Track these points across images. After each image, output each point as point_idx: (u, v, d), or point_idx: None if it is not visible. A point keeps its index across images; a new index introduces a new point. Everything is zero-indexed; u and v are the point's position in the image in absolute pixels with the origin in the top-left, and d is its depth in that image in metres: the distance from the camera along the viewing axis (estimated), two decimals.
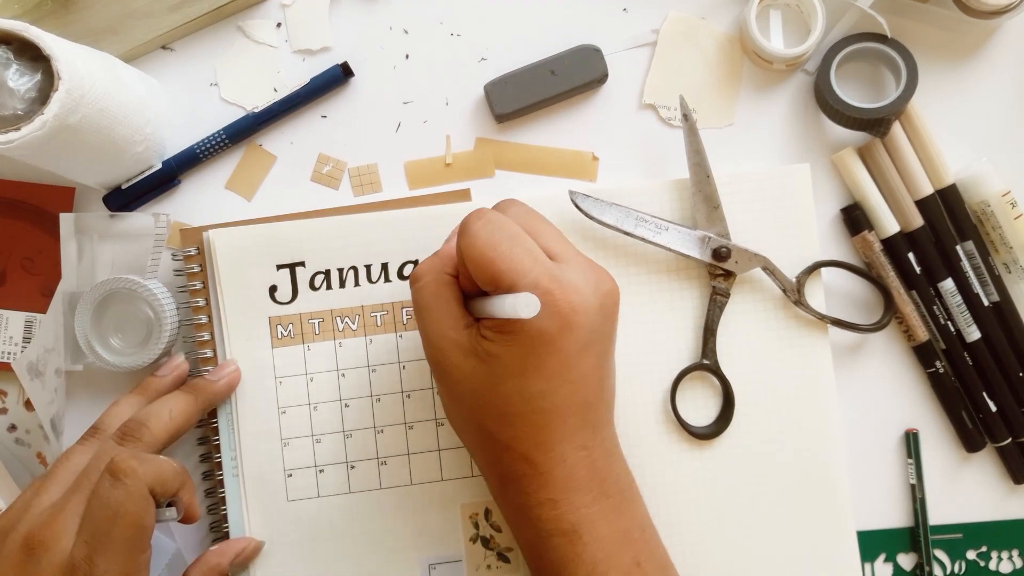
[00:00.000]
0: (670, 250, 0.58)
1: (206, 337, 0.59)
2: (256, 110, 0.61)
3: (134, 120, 0.56)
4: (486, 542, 0.58)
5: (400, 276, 0.59)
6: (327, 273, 0.59)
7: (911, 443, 0.60)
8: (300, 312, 0.58)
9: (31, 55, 0.51)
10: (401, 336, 0.59)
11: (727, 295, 0.59)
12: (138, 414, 0.54)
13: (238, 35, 0.62)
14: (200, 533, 0.61)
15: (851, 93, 0.59)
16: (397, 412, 0.58)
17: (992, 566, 0.61)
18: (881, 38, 0.59)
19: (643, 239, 0.58)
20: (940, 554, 0.61)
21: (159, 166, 0.61)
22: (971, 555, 0.61)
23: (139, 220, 0.59)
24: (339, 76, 0.60)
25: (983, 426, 0.60)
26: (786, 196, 0.59)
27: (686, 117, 0.58)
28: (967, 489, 0.61)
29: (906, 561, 0.61)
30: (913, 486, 0.60)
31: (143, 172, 0.60)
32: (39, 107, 0.50)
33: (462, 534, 0.58)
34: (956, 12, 0.58)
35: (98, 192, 0.61)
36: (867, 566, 0.61)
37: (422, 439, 0.58)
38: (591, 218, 0.58)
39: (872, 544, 0.61)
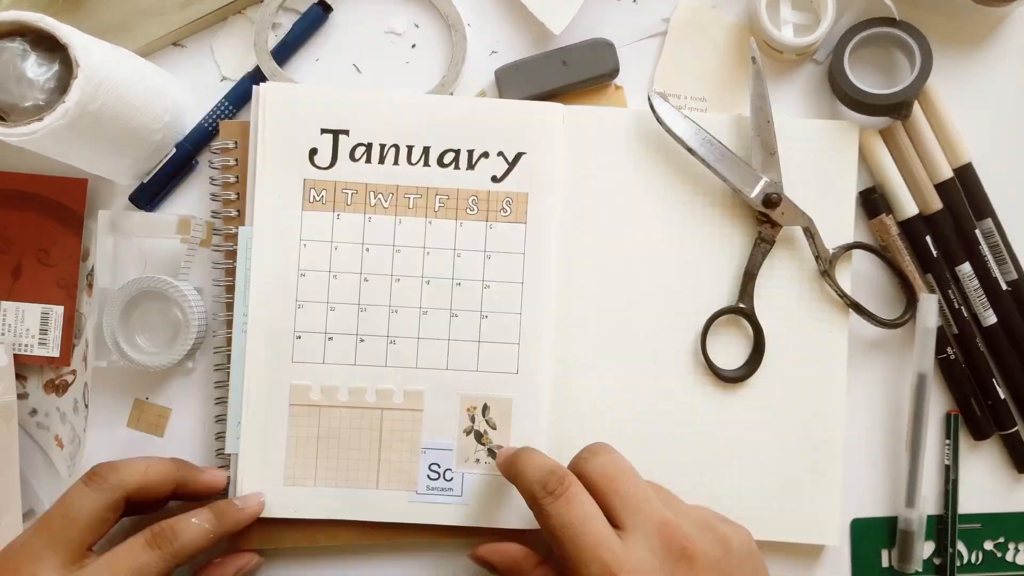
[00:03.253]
0: (726, 180, 0.58)
1: (232, 196, 0.60)
2: (250, 70, 0.61)
3: (152, 108, 0.57)
4: (479, 436, 0.58)
5: (440, 163, 0.59)
6: (368, 146, 0.59)
7: (951, 425, 0.60)
8: (336, 180, 0.59)
9: (47, 46, 0.52)
10: (431, 222, 0.59)
11: (772, 242, 0.59)
12: (177, 523, 0.53)
13: (241, 19, 0.62)
14: (204, 418, 0.61)
15: (865, 79, 0.59)
16: (414, 295, 0.59)
17: (1009, 557, 0.60)
18: (891, 22, 0.59)
19: (704, 160, 0.58)
20: (958, 544, 0.60)
21: (174, 150, 0.61)
22: (988, 545, 0.60)
23: (171, 219, 0.59)
24: (319, 15, 0.61)
25: (991, 413, 0.60)
26: (833, 151, 0.60)
27: (754, 60, 0.58)
28: (974, 477, 0.61)
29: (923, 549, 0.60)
30: (947, 467, 0.60)
31: (160, 160, 0.60)
32: (59, 96, 0.51)
33: (457, 424, 0.58)
34: None
35: (110, 183, 0.61)
36: (884, 552, 0.60)
37: (434, 326, 0.58)
38: (662, 124, 0.58)
39: (888, 531, 0.61)
